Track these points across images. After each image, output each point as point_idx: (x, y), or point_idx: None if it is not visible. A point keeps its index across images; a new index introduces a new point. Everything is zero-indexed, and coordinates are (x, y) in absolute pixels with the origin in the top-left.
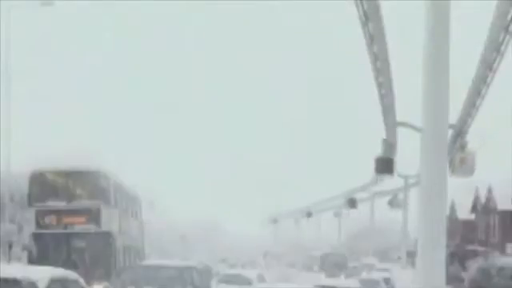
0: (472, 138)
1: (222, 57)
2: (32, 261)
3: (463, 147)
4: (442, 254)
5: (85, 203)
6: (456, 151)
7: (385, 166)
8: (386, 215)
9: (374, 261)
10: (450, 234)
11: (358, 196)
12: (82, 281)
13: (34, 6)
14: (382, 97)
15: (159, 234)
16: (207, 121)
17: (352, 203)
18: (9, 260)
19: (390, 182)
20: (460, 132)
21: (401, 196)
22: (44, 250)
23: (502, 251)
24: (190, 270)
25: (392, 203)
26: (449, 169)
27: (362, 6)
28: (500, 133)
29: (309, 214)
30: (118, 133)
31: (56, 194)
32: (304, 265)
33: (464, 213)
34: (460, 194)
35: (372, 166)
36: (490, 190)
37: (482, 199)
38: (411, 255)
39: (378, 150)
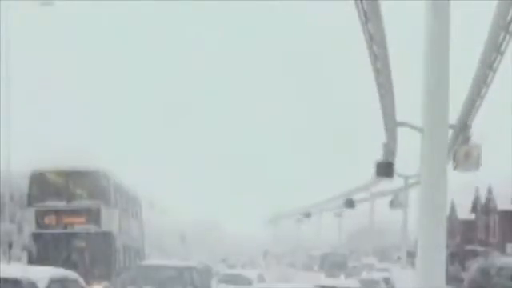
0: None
1: (223, 57)
2: (32, 261)
3: (467, 139)
4: (442, 254)
5: (85, 203)
6: (460, 144)
7: (385, 169)
8: (385, 215)
9: (373, 261)
10: (450, 234)
11: (358, 196)
12: (81, 281)
13: (33, 6)
14: (381, 97)
15: (159, 233)
16: (207, 120)
17: (350, 204)
18: (9, 260)
19: (390, 182)
20: (463, 127)
21: (401, 196)
22: (44, 250)
23: (502, 251)
24: (190, 270)
25: (393, 204)
26: (452, 164)
27: (362, 6)
28: (500, 132)
29: (307, 215)
30: (118, 133)
31: (56, 194)
32: (304, 264)
33: (464, 213)
34: (460, 194)
35: (372, 165)
36: (489, 190)
37: (482, 199)
38: (411, 255)
39: (377, 151)
